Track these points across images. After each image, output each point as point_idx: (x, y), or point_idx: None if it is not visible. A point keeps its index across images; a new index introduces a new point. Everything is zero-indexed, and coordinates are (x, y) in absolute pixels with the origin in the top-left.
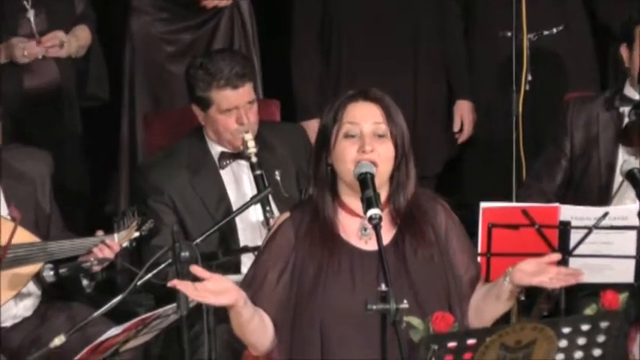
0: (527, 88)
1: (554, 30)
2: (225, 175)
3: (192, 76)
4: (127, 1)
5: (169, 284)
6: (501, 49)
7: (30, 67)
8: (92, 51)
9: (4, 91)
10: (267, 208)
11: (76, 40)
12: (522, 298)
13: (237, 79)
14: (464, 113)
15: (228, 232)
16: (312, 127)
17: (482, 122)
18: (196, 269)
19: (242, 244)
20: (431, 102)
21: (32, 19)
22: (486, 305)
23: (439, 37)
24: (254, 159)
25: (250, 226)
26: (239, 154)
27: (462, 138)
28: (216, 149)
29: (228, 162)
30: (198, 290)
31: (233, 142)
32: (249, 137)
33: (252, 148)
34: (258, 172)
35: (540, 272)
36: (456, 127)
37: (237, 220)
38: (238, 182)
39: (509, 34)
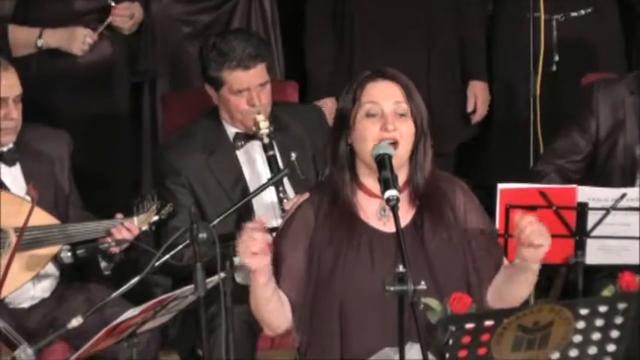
0: (555, 68)
1: (582, 12)
2: (241, 155)
3: (205, 56)
4: None
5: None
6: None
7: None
8: (143, 27)
9: (56, 65)
10: (280, 189)
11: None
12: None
13: (248, 60)
14: (477, 93)
15: (245, 213)
16: (328, 105)
17: (505, 104)
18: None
19: None
20: (445, 83)
21: None
22: (507, 288)
23: (453, 17)
24: (266, 140)
25: (265, 207)
26: (253, 135)
27: (476, 118)
28: (230, 130)
29: (242, 143)
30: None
31: (245, 123)
32: (261, 118)
33: (264, 129)
34: (270, 152)
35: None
36: (470, 107)
37: (253, 200)
38: (253, 163)
39: (536, 14)
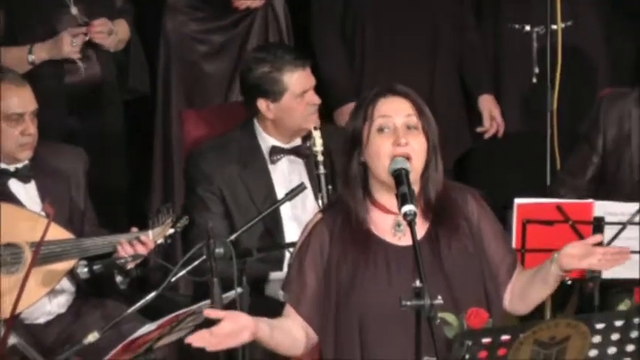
0: (535, 80)
1: (562, 25)
2: (273, 171)
3: (254, 75)
4: (162, 0)
5: (187, 341)
6: (508, 42)
7: (70, 62)
8: (131, 44)
9: (44, 87)
10: (320, 203)
11: (116, 35)
12: (569, 282)
13: (303, 60)
14: (492, 107)
15: (274, 228)
16: (344, 112)
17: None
18: (209, 312)
19: (288, 239)
20: (448, 95)
21: (76, 14)
22: (533, 290)
23: (456, 31)
24: (320, 157)
25: (297, 222)
26: (291, 150)
27: (497, 130)
28: (267, 143)
29: (279, 157)
30: (217, 337)
31: (307, 125)
32: (317, 134)
33: (319, 146)
34: (322, 170)
35: (587, 254)
36: (487, 123)
37: (283, 215)
38: (286, 179)
39: (516, 26)
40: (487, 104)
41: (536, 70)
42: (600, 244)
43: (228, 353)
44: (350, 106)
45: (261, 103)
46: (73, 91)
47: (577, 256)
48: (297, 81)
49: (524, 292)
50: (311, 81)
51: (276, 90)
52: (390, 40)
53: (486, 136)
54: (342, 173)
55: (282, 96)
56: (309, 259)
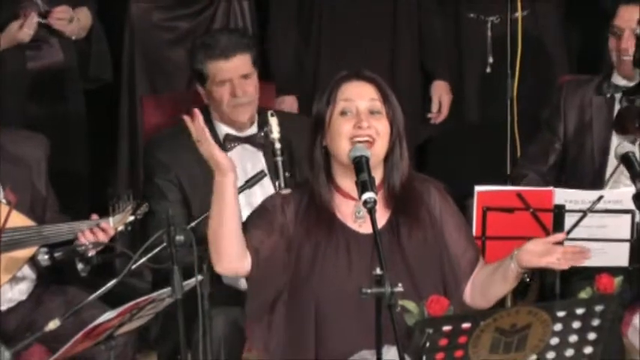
0: (489, 70)
1: (517, 14)
2: (231, 157)
3: (192, 53)
4: None
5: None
6: (466, 31)
7: (33, 49)
8: (93, 32)
9: (6, 74)
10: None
11: (77, 22)
12: (528, 279)
13: (229, 50)
14: (442, 94)
15: None
16: (286, 102)
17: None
18: (196, 113)
19: None
20: (408, 82)
21: (39, 2)
22: (492, 286)
23: (417, 16)
24: (278, 145)
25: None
26: (245, 139)
27: (440, 119)
28: (221, 130)
29: (233, 145)
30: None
31: (230, 116)
32: (274, 121)
33: (276, 133)
34: (280, 158)
35: (547, 253)
36: (435, 108)
37: (242, 202)
38: (243, 168)
39: (471, 15)
40: (438, 90)
41: (491, 60)
42: (561, 243)
43: (187, 337)
44: (282, 99)
45: (198, 86)
46: (36, 78)
47: (536, 253)
48: (216, 70)
49: (484, 287)
50: (234, 71)
51: (202, 75)
52: (347, 28)
53: (433, 121)
54: (307, 157)
55: (206, 82)
56: (270, 221)
